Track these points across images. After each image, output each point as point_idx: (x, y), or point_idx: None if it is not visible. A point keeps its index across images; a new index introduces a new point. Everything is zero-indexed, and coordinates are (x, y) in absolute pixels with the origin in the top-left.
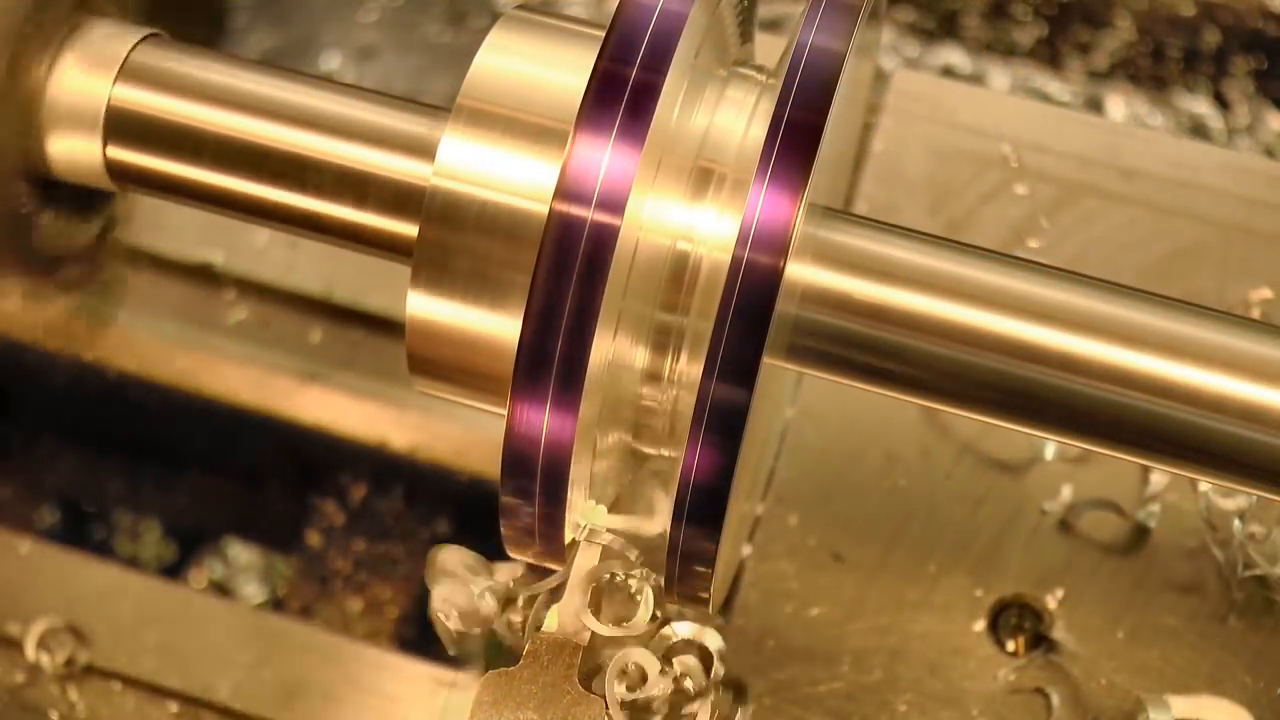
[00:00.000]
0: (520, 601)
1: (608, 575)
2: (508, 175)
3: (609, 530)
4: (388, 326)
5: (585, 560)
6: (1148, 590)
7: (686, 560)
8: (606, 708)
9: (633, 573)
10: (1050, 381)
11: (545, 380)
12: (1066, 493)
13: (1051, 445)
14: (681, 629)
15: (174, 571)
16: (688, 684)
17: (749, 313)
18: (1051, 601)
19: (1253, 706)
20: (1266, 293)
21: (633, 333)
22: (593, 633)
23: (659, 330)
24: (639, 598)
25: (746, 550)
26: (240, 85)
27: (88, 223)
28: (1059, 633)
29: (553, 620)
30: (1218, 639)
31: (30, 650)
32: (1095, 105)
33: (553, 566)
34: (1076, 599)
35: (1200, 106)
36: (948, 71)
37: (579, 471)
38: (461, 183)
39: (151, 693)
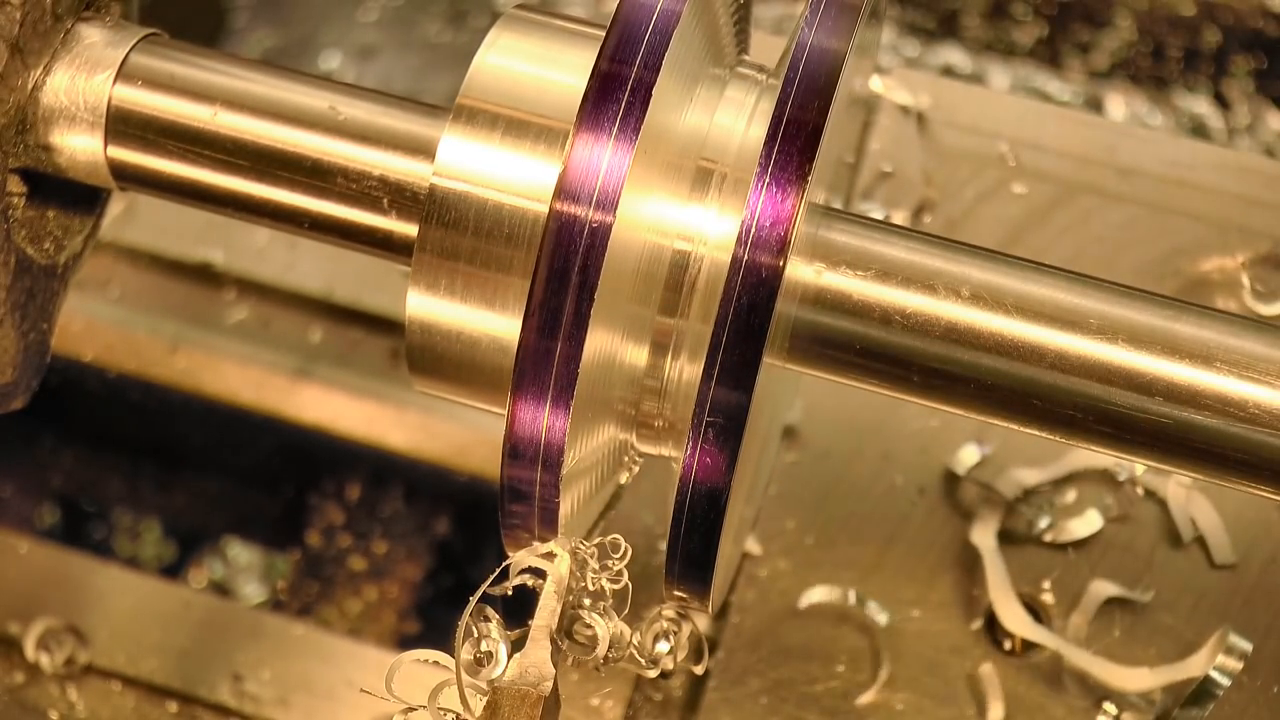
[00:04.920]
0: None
1: (570, 614)
2: (507, 175)
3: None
4: (387, 326)
5: (545, 610)
6: (1144, 587)
7: (686, 562)
8: None
9: (594, 608)
10: (1049, 381)
11: (545, 380)
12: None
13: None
14: None
15: (174, 571)
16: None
17: (749, 312)
18: (1048, 600)
19: (1250, 705)
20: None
21: (633, 332)
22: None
23: (659, 329)
24: (598, 631)
25: (744, 549)
26: (240, 85)
27: (85, 221)
28: (1055, 631)
29: (514, 669)
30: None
31: (30, 650)
32: (1095, 105)
33: (548, 566)
34: (1073, 597)
35: (1200, 106)
36: (948, 71)
37: (577, 471)
38: (461, 182)
39: (151, 693)
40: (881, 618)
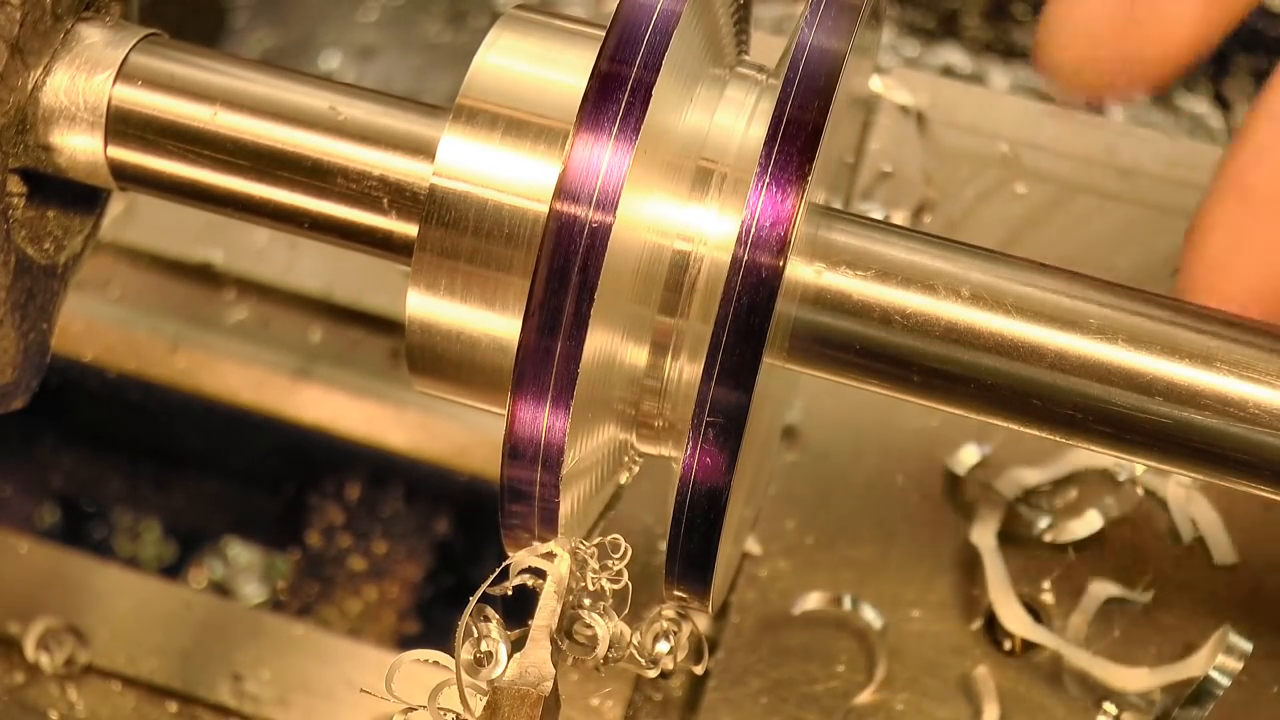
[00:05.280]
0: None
1: (570, 614)
2: (507, 175)
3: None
4: (387, 326)
5: (545, 610)
6: (1144, 588)
7: (686, 562)
8: None
9: (594, 607)
10: (1049, 381)
11: (545, 380)
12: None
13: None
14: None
15: (174, 571)
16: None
17: (749, 312)
18: (1048, 600)
19: (1251, 704)
20: None
21: (633, 332)
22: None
23: (659, 329)
24: (598, 631)
25: (744, 549)
26: (240, 85)
27: (85, 221)
28: (1055, 632)
29: (514, 669)
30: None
31: (30, 650)
32: (1095, 105)
33: (548, 566)
34: (1073, 597)
35: (1200, 106)
36: (948, 71)
37: (577, 471)
38: (461, 182)
39: (151, 693)
40: (881, 618)
